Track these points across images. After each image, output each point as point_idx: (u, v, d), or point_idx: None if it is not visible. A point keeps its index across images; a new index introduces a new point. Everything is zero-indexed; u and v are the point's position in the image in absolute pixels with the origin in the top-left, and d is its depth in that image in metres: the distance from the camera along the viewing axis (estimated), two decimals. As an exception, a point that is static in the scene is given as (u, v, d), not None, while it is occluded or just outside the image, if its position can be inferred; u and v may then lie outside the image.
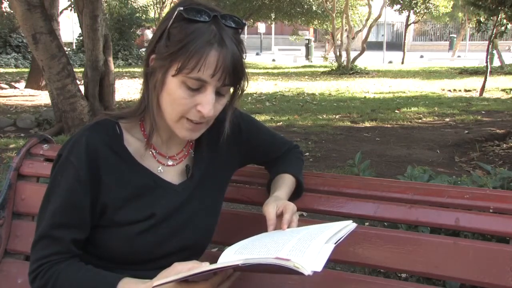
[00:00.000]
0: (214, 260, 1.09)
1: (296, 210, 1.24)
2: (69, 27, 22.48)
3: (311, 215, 1.89)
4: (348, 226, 1.15)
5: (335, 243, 1.06)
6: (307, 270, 0.94)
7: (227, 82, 1.11)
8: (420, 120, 8.22)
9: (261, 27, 31.92)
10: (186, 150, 1.28)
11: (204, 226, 1.28)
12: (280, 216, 1.21)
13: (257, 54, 30.23)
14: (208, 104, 1.11)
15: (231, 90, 1.19)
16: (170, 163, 1.25)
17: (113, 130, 1.19)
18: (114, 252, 1.18)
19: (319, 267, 0.96)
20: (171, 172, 1.25)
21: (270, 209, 1.22)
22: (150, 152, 1.23)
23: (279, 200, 1.26)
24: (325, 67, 19.51)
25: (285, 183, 1.37)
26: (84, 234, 1.16)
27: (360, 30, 19.82)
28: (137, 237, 1.17)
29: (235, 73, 1.11)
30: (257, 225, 1.28)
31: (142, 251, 1.18)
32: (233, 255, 1.07)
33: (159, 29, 1.14)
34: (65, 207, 1.14)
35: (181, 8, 1.10)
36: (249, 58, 26.91)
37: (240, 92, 1.21)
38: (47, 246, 1.14)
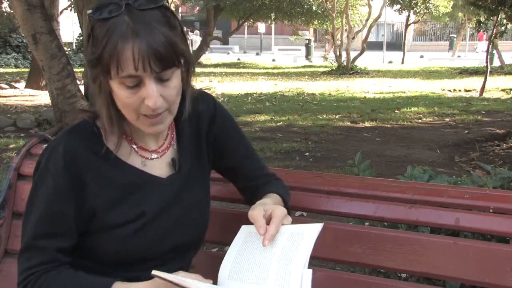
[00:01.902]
0: (214, 262, 1.10)
1: (285, 214, 1.15)
2: (69, 27, 22.47)
3: (311, 215, 1.89)
4: (316, 229, 1.13)
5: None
6: None
7: (157, 69, 1.04)
8: (420, 120, 8.22)
9: (261, 27, 31.92)
10: (168, 142, 1.25)
11: (198, 220, 1.27)
12: (268, 220, 1.14)
13: (257, 54, 30.26)
14: (151, 97, 1.06)
15: (179, 71, 1.11)
16: (154, 156, 1.22)
17: (91, 131, 1.15)
18: (110, 255, 1.16)
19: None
20: (157, 165, 1.22)
21: (256, 212, 1.14)
22: (132, 148, 1.19)
23: (266, 205, 1.18)
24: (325, 67, 19.51)
25: (271, 198, 1.26)
26: (71, 241, 1.14)
27: (360, 30, 19.82)
28: (130, 238, 1.15)
29: (161, 56, 1.03)
30: (257, 225, 1.28)
31: (137, 251, 1.16)
32: (228, 280, 1.09)
33: (85, 36, 1.10)
34: (46, 216, 1.11)
35: (89, 11, 1.06)
36: (249, 58, 27.02)
37: (188, 70, 1.15)
38: (32, 257, 1.12)
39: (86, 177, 1.12)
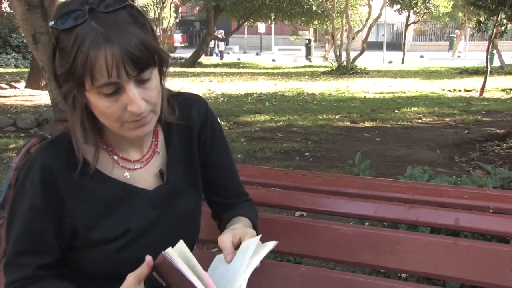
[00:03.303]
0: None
1: (255, 236, 1.12)
2: (69, 27, 22.46)
3: (311, 215, 1.89)
4: (269, 247, 1.12)
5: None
6: None
7: (134, 72, 0.98)
8: (420, 120, 8.22)
9: (261, 27, 31.94)
10: (152, 150, 1.18)
11: (189, 230, 1.23)
12: (237, 246, 1.11)
13: (257, 54, 30.28)
14: (134, 102, 1.00)
15: (156, 70, 1.06)
16: (137, 166, 1.16)
17: (69, 144, 1.08)
18: (98, 269, 1.13)
19: None
20: (142, 176, 1.16)
21: (225, 238, 1.11)
22: (113, 160, 1.13)
23: (236, 230, 1.15)
24: (325, 67, 19.51)
25: (242, 222, 1.24)
26: (52, 257, 1.11)
27: (360, 30, 19.82)
28: (117, 254, 1.11)
29: (135, 59, 0.97)
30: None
31: (125, 265, 1.10)
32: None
33: (49, 49, 1.04)
34: (24, 235, 1.09)
35: (52, 23, 0.99)
36: (249, 58, 27.02)
37: (164, 68, 1.09)
38: (14, 272, 1.11)
39: (65, 194, 1.08)
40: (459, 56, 26.63)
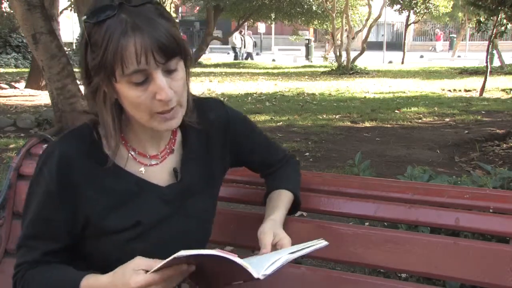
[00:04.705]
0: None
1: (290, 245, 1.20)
2: (69, 27, 22.48)
3: (311, 215, 1.89)
4: (318, 244, 1.17)
5: (291, 252, 1.09)
6: (255, 272, 0.97)
7: (162, 59, 1.05)
8: (420, 120, 8.22)
9: (261, 27, 31.91)
10: (169, 148, 1.23)
11: (201, 231, 1.26)
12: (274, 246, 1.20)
13: (257, 54, 30.23)
14: (162, 89, 1.06)
15: (182, 62, 1.11)
16: (153, 162, 1.20)
17: (90, 136, 1.14)
18: (108, 260, 1.14)
19: (268, 271, 1.00)
20: (156, 172, 1.20)
21: (267, 238, 1.19)
22: (130, 155, 1.17)
23: (276, 229, 1.24)
24: (325, 67, 19.51)
25: (283, 201, 1.34)
26: (61, 244, 1.14)
27: (360, 30, 19.82)
28: (126, 245, 1.14)
29: (163, 47, 1.04)
30: (257, 225, 1.28)
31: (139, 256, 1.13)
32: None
33: (81, 45, 1.10)
34: (37, 219, 1.13)
35: (85, 17, 1.06)
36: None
37: (189, 61, 1.14)
38: (24, 254, 1.16)
39: (80, 183, 1.12)
40: (459, 56, 26.61)
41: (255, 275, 0.97)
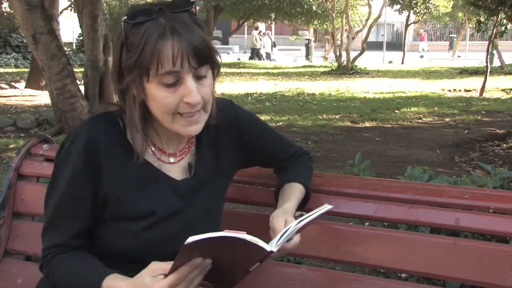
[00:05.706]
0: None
1: (299, 239, 1.23)
2: (69, 27, 22.47)
3: (311, 215, 1.89)
4: (323, 209, 1.22)
5: (299, 222, 1.14)
6: (267, 246, 1.01)
7: (195, 64, 1.11)
8: (420, 120, 8.21)
9: (261, 27, 31.90)
10: (188, 147, 1.28)
11: (210, 226, 1.25)
12: None
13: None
14: (191, 92, 1.11)
15: (211, 71, 1.18)
16: (171, 160, 1.25)
17: (116, 123, 1.20)
18: (122, 248, 1.18)
19: (280, 242, 1.05)
20: (173, 169, 1.25)
21: (280, 222, 1.22)
22: (150, 150, 1.23)
23: (288, 215, 1.26)
24: (325, 67, 19.49)
25: (295, 193, 1.36)
26: (87, 225, 1.19)
27: (360, 30, 19.81)
28: (141, 233, 1.18)
29: (198, 52, 1.10)
30: (257, 225, 1.28)
31: (149, 248, 1.18)
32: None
33: (117, 46, 1.15)
34: (66, 198, 1.17)
35: (125, 18, 1.12)
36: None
37: (217, 69, 1.21)
38: (52, 237, 1.19)
39: (104, 163, 1.17)
40: (459, 56, 26.60)
41: (268, 248, 1.01)
